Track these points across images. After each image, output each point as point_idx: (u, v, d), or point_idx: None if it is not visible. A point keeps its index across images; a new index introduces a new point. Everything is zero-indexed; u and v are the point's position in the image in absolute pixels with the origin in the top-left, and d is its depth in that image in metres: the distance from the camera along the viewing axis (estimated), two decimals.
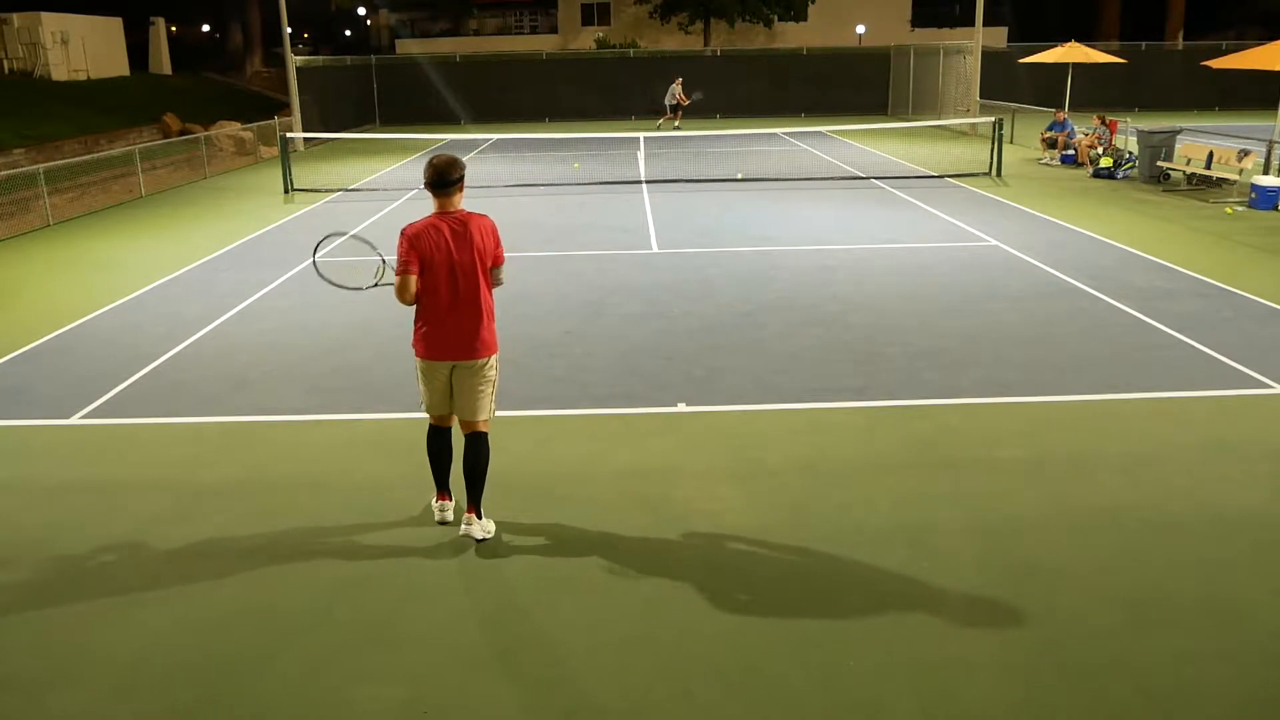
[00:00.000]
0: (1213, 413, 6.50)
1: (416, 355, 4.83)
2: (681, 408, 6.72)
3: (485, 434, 4.91)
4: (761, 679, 3.82)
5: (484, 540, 4.90)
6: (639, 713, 3.65)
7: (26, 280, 11.18)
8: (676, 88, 29.12)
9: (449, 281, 4.66)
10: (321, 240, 5.76)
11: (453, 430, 5.03)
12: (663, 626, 4.18)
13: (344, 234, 6.11)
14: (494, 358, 4.88)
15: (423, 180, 4.73)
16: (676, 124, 28.87)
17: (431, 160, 4.69)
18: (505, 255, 4.88)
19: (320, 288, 10.45)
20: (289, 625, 4.25)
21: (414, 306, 4.76)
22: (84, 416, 6.79)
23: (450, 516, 5.08)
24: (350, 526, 5.13)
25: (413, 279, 4.62)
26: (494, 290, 4.86)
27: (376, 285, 5.28)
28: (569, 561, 4.73)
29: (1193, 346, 7.81)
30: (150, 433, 6.52)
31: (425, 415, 5.01)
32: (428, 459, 5.06)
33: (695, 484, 5.54)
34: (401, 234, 4.68)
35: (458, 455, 5.01)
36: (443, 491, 5.12)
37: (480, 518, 4.94)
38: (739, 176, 13.85)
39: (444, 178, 4.63)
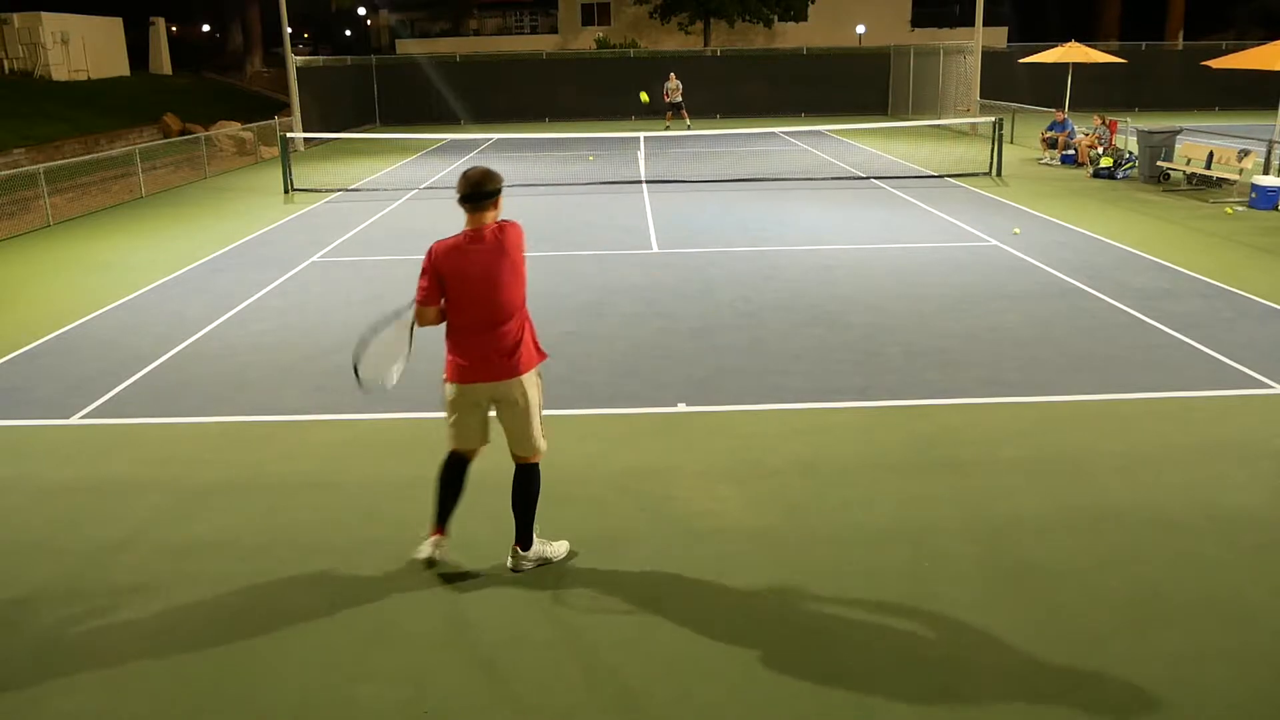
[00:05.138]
0: (1213, 413, 6.50)
1: (446, 380, 4.44)
2: (681, 408, 6.72)
3: (535, 465, 4.57)
4: (761, 679, 3.82)
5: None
6: (639, 713, 3.65)
7: (26, 280, 11.18)
8: (670, 84, 28.14)
9: (483, 302, 4.27)
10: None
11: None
12: (662, 626, 4.18)
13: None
14: (533, 373, 4.45)
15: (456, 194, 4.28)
16: (687, 122, 28.23)
17: (465, 172, 4.27)
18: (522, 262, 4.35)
19: (318, 288, 10.55)
20: (289, 625, 4.25)
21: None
22: (84, 416, 6.79)
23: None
24: (350, 526, 5.14)
25: (430, 310, 4.31)
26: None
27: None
28: (568, 561, 4.73)
29: (1193, 346, 7.81)
30: (150, 433, 6.52)
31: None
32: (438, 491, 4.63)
33: (695, 484, 5.54)
34: (426, 254, 4.33)
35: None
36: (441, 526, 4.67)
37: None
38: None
39: (478, 190, 4.21)
